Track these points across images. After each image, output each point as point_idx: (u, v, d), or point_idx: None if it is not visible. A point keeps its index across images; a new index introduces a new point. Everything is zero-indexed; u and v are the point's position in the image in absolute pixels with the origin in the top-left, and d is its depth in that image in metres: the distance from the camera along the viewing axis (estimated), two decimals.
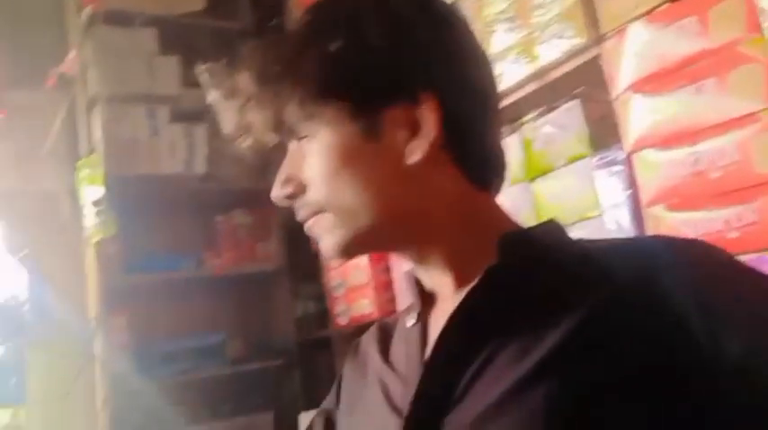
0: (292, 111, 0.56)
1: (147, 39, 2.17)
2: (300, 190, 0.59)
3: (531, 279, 0.53)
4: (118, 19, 2.08)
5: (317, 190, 0.57)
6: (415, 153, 0.56)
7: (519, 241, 0.57)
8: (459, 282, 0.58)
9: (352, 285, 1.97)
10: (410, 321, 0.61)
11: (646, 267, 0.49)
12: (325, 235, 0.58)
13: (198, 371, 2.13)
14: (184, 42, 2.28)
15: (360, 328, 1.86)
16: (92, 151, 2.08)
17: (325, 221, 0.58)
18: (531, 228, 0.59)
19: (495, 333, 0.52)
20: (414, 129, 0.56)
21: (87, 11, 2.02)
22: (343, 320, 2.03)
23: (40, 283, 2.12)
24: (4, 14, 2.20)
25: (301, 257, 2.31)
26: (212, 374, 2.16)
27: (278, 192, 0.60)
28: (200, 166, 2.18)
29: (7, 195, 2.12)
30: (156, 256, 2.20)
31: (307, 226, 0.60)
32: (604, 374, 0.46)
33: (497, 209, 0.61)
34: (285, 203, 0.60)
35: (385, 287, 1.87)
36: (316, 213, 0.58)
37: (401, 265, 1.80)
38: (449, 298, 0.58)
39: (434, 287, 0.61)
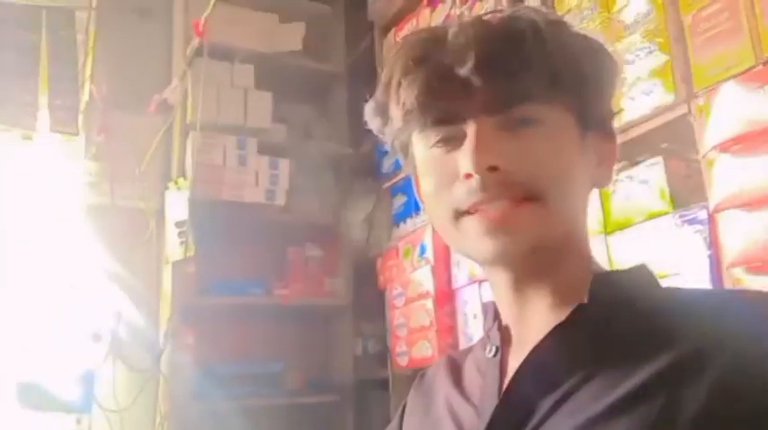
0: (540, 83, 0.55)
1: (245, 74, 2.32)
2: (507, 169, 0.54)
3: (620, 320, 0.54)
4: (220, 53, 2.22)
5: (546, 176, 0.54)
6: (605, 179, 0.61)
7: (611, 282, 0.58)
8: (550, 315, 0.58)
9: (415, 327, 1.97)
10: (490, 352, 0.62)
11: (739, 315, 0.50)
12: (528, 229, 0.54)
13: (255, 399, 2.16)
14: (278, 80, 2.42)
15: (418, 371, 1.86)
16: (182, 174, 2.21)
17: (536, 211, 0.54)
18: (623, 271, 0.60)
19: (579, 368, 0.52)
20: (600, 158, 0.61)
21: (193, 44, 2.17)
22: (402, 361, 2.03)
23: (118, 296, 2.22)
24: (115, 41, 2.39)
25: (366, 296, 2.34)
26: (268, 403, 2.18)
27: (487, 161, 0.53)
28: (280, 198, 2.27)
29: (98, 210, 2.25)
30: (227, 280, 2.27)
31: (504, 216, 0.54)
32: (689, 417, 0.45)
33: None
34: (486, 176, 0.54)
35: (448, 331, 1.86)
36: (526, 199, 0.54)
37: (466, 308, 1.79)
38: (532, 331, 0.58)
39: (518, 319, 0.61)
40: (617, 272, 0.61)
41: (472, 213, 0.55)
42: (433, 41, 0.58)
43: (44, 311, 2.13)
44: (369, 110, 0.65)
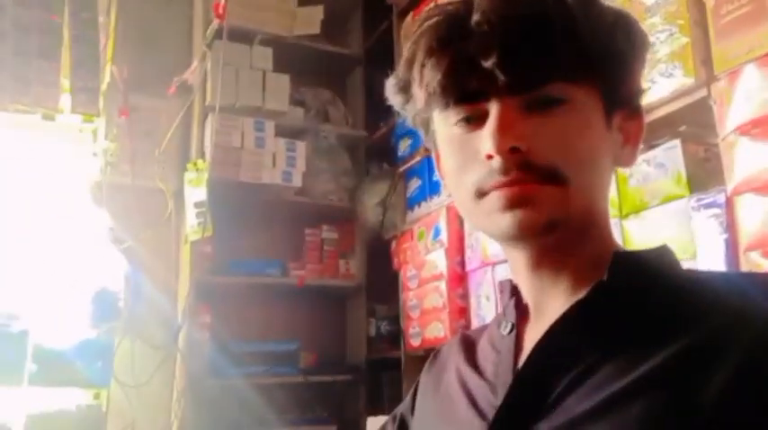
0: (566, 62, 0.54)
1: (264, 56, 2.33)
2: (530, 150, 0.53)
3: (640, 299, 0.54)
4: (239, 35, 2.24)
5: (569, 159, 0.54)
6: (629, 159, 0.61)
7: (631, 260, 0.57)
8: (569, 293, 0.58)
9: (428, 308, 1.99)
10: (505, 329, 0.62)
11: (759, 299, 0.49)
12: (548, 205, 0.53)
13: (269, 377, 2.19)
14: (296, 63, 2.43)
15: (430, 351, 1.88)
16: (201, 156, 2.23)
17: (558, 192, 0.53)
18: (644, 251, 0.59)
19: (598, 346, 0.52)
20: (626, 137, 0.60)
21: (213, 26, 2.19)
22: (415, 342, 2.05)
23: (136, 274, 2.26)
24: (137, 24, 2.41)
25: (380, 277, 2.36)
26: (283, 381, 2.21)
27: (509, 142, 0.53)
28: (296, 180, 2.29)
29: (118, 189, 2.28)
30: (244, 260, 2.30)
31: (523, 190, 0.53)
32: (715, 396, 0.45)
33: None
34: (507, 158, 0.53)
35: (461, 313, 1.88)
36: (548, 181, 0.53)
37: (479, 290, 1.81)
38: (551, 309, 0.58)
39: (537, 297, 0.60)
40: (638, 251, 0.60)
41: (492, 189, 0.55)
42: (456, 23, 0.56)
43: (61, 288, 2.17)
44: (390, 87, 0.65)
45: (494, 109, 0.54)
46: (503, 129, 0.53)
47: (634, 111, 0.61)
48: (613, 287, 0.54)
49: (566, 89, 0.54)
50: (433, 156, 0.68)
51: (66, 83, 2.35)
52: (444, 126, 0.59)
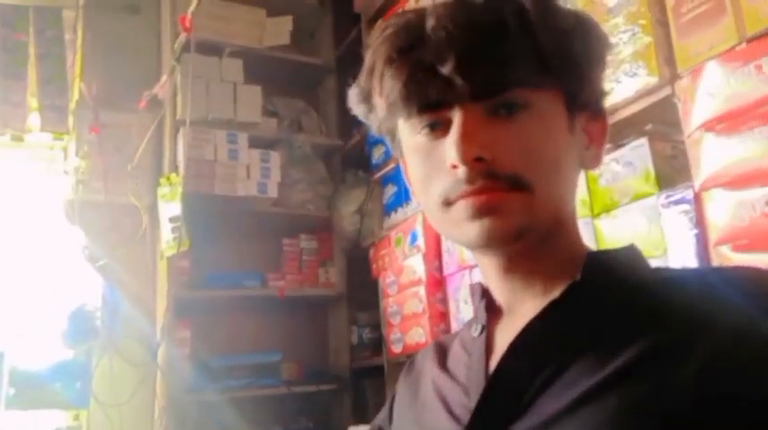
0: (526, 68, 0.54)
1: (234, 68, 2.32)
2: (494, 159, 0.53)
3: (612, 298, 0.54)
4: (208, 48, 2.23)
5: (533, 166, 0.54)
6: (594, 160, 0.61)
7: (602, 261, 0.57)
8: (541, 294, 0.58)
9: (408, 313, 1.99)
10: (476, 331, 0.62)
11: (727, 293, 0.50)
12: (514, 213, 0.53)
13: (253, 389, 2.17)
14: (267, 74, 2.42)
15: (412, 357, 1.88)
16: (174, 170, 2.21)
17: (523, 199, 0.53)
18: (614, 250, 0.60)
19: (571, 346, 0.52)
20: (590, 139, 0.61)
21: (181, 39, 2.18)
22: (396, 348, 2.05)
23: (113, 292, 2.23)
24: (104, 39, 2.39)
25: (360, 284, 2.36)
26: (266, 393, 2.20)
27: (473, 152, 0.52)
28: (272, 191, 2.28)
29: (91, 206, 2.26)
30: (222, 273, 2.29)
31: (490, 199, 0.53)
32: (685, 388, 0.46)
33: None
34: (472, 168, 0.53)
35: (441, 317, 1.88)
36: (513, 189, 0.53)
37: (457, 294, 1.81)
38: (523, 310, 0.58)
39: (509, 300, 0.61)
40: (608, 251, 0.60)
41: (458, 198, 0.54)
42: (414, 31, 0.56)
43: (37, 308, 2.14)
44: (353, 97, 0.64)
45: (456, 117, 0.54)
46: (466, 139, 0.53)
47: (597, 113, 0.61)
48: (586, 287, 0.54)
49: (527, 94, 0.54)
50: (401, 163, 0.68)
51: (33, 101, 2.32)
52: (409, 135, 0.59)
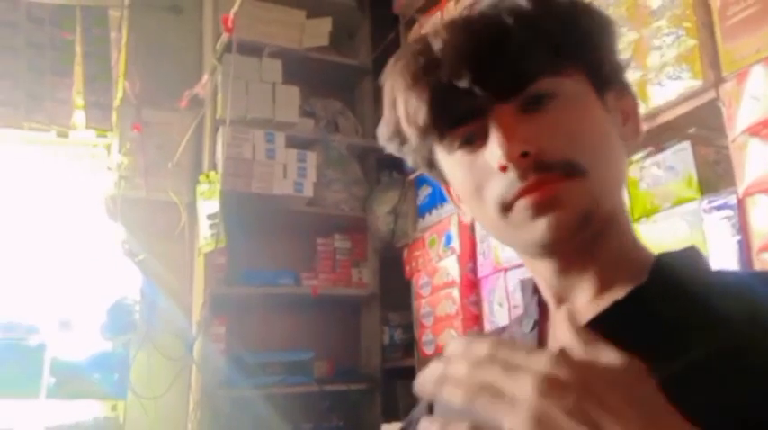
0: (540, 58, 0.54)
1: (273, 69, 2.36)
2: (539, 151, 0.53)
3: (678, 302, 0.53)
4: (249, 48, 2.26)
5: (579, 148, 0.53)
6: (635, 134, 0.60)
7: (669, 263, 0.56)
8: (600, 293, 0.57)
9: (441, 315, 1.99)
10: (527, 327, 0.61)
11: None
12: (576, 201, 0.53)
13: (285, 387, 2.20)
14: (305, 74, 2.45)
15: None
16: (213, 168, 2.25)
17: (581, 185, 0.53)
18: (678, 252, 0.58)
19: (634, 346, 0.50)
20: (624, 115, 0.60)
21: (222, 40, 2.21)
22: (429, 350, 2.05)
23: (151, 287, 2.28)
24: (147, 38, 2.45)
25: (393, 285, 2.37)
26: (298, 390, 2.22)
27: (518, 148, 0.52)
28: (308, 190, 2.30)
29: (132, 203, 2.31)
30: (257, 271, 2.32)
31: (548, 192, 0.53)
32: (747, 396, 0.45)
33: None
34: (520, 164, 0.52)
35: (474, 319, 1.88)
36: (567, 176, 0.53)
37: (491, 296, 1.81)
38: (578, 310, 0.56)
39: (561, 296, 0.59)
40: (672, 253, 0.58)
41: (516, 198, 0.54)
42: (424, 56, 0.57)
43: (78, 300, 2.20)
44: (382, 134, 0.65)
45: (492, 121, 0.54)
46: (508, 137, 0.53)
47: (623, 89, 0.61)
48: (653, 290, 0.53)
49: (550, 83, 0.54)
50: (444, 189, 0.68)
51: (79, 99, 2.39)
52: (447, 155, 0.59)
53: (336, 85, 2.65)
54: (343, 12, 2.62)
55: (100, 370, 2.18)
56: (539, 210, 0.53)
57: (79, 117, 2.38)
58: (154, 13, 2.50)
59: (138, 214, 2.32)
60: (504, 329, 0.70)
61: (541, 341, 0.59)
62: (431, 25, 0.56)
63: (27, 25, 2.32)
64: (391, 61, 0.61)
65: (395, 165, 2.44)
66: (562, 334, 0.45)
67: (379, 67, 2.62)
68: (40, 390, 2.05)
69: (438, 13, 2.18)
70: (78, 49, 2.41)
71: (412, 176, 2.28)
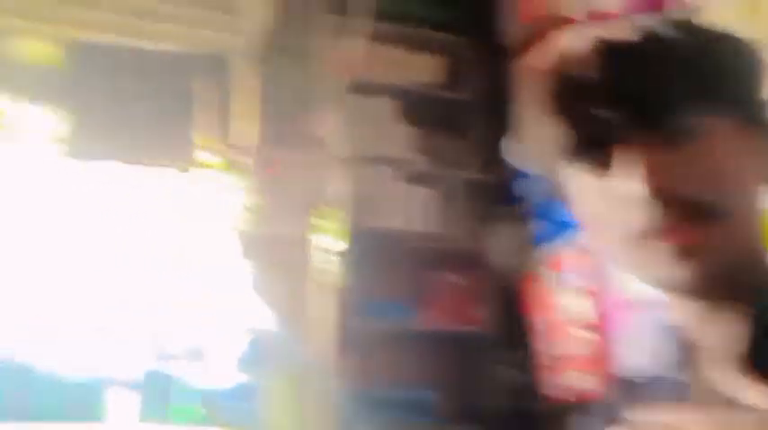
0: (686, 94, 0.53)
1: (390, 107, 2.46)
2: (681, 188, 0.51)
3: None
4: (368, 88, 2.38)
5: (722, 189, 0.51)
6: None
7: None
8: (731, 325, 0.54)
9: (565, 355, 1.92)
10: (684, 376, 0.58)
11: None
12: (719, 249, 0.51)
13: (405, 425, 2.21)
14: (420, 111, 2.52)
15: (567, 400, 1.81)
16: (336, 204, 2.35)
17: (723, 231, 0.51)
18: None
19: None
20: None
21: (342, 80, 2.35)
22: (550, 391, 1.98)
23: (282, 321, 2.38)
24: (271, 80, 2.60)
25: (511, 324, 2.32)
26: None
27: (656, 182, 0.50)
28: (425, 225, 2.35)
29: (262, 239, 2.45)
30: (377, 305, 2.36)
31: (691, 238, 0.50)
32: None
33: None
34: (659, 200, 0.50)
35: (601, 361, 1.79)
36: (710, 218, 0.50)
37: (620, 338, 1.73)
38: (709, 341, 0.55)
39: (695, 332, 0.57)
40: None
41: (656, 238, 0.51)
42: (568, 78, 0.56)
43: (214, 334, 2.34)
44: (509, 146, 0.65)
45: (632, 151, 0.52)
46: (649, 171, 0.50)
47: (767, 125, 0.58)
48: None
49: (695, 120, 0.52)
50: (567, 201, 0.67)
51: (210, 141, 2.58)
52: (578, 175, 0.57)
53: (450, 119, 2.69)
54: (454, 48, 2.67)
55: (233, 399, 2.30)
56: (679, 256, 0.50)
57: (211, 155, 2.57)
58: (275, 56, 2.65)
59: (267, 250, 2.44)
60: (659, 378, 0.65)
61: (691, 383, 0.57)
62: (570, 47, 0.56)
63: (155, 72, 2.54)
64: (532, 69, 0.60)
65: (509, 198, 2.42)
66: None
67: (490, 100, 2.65)
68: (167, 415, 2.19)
69: (549, 43, 2.15)
70: (202, 94, 2.61)
71: (528, 210, 2.24)
